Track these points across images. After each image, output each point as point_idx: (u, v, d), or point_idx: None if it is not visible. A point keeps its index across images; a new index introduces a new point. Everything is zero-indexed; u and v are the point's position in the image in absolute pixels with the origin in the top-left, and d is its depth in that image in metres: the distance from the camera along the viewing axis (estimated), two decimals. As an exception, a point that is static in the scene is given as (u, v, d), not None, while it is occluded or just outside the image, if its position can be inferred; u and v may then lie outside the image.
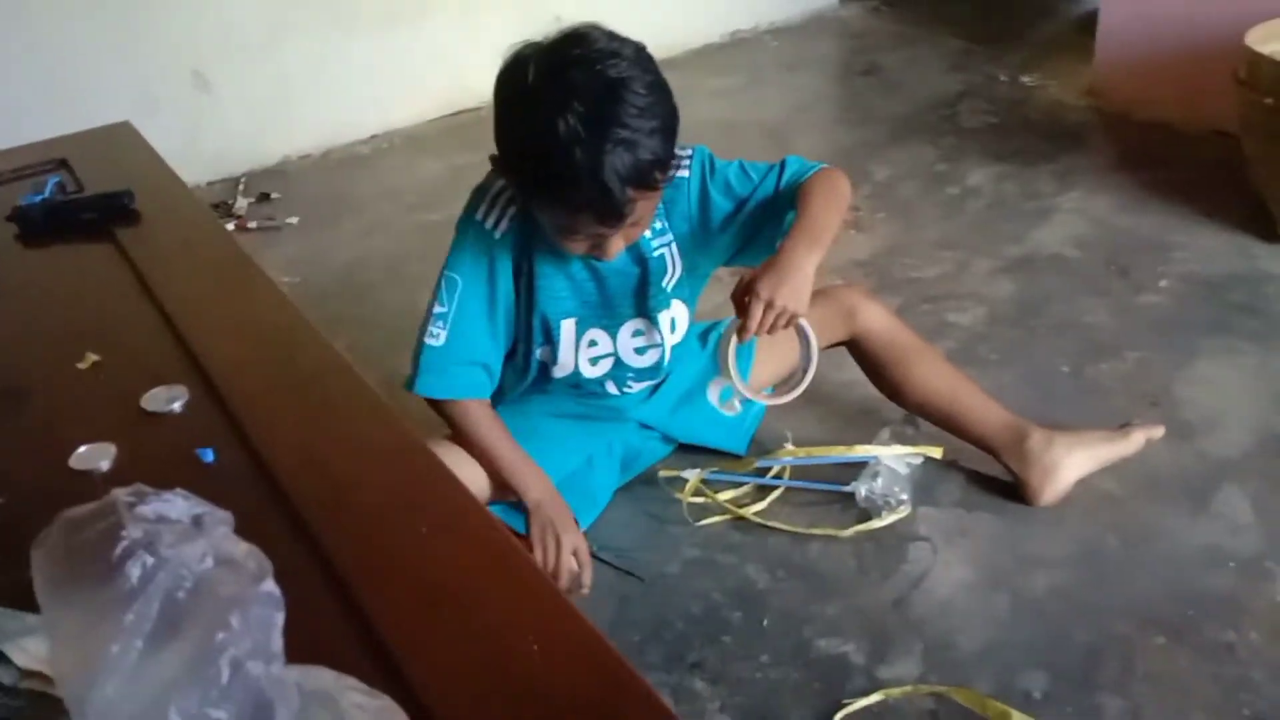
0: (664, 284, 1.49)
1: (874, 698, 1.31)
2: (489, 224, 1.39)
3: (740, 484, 1.67)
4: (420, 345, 1.43)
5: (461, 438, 1.49)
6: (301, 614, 0.59)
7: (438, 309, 1.41)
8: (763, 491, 1.66)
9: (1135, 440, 1.59)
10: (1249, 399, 1.78)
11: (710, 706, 1.33)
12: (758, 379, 1.66)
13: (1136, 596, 1.43)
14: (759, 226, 1.47)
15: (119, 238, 1.16)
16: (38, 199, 1.26)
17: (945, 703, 1.30)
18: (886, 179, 2.70)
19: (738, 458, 1.72)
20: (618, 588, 1.52)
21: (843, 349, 1.68)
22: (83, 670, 0.54)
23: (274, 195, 2.87)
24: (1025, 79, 3.22)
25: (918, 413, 1.68)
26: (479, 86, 3.21)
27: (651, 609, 1.48)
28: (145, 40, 2.77)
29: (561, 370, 1.51)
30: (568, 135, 1.17)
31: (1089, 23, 3.07)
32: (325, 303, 2.35)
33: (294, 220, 2.74)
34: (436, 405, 1.49)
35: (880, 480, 1.60)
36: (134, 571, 0.55)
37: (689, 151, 1.44)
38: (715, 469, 1.69)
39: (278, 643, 0.56)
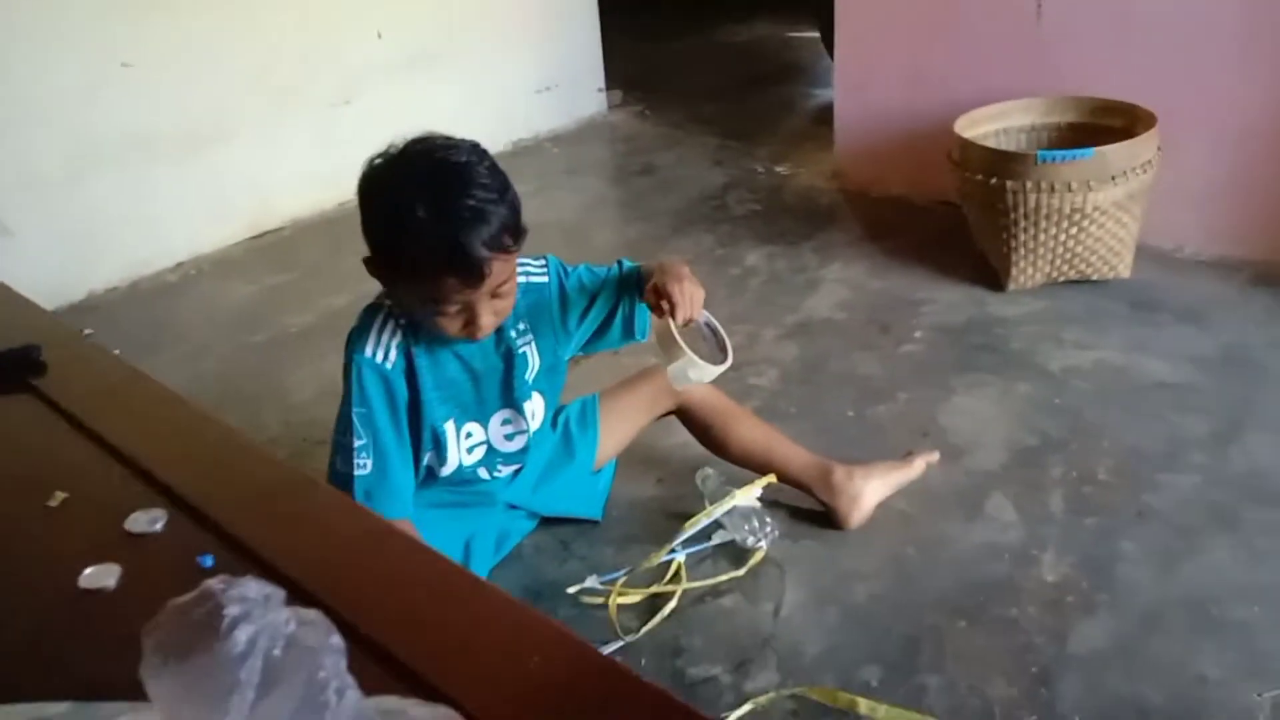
0: (526, 376, 1.70)
1: (745, 708, 1.54)
2: (379, 358, 1.55)
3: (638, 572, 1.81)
4: (348, 475, 1.54)
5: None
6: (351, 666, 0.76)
7: (357, 443, 1.54)
8: (662, 572, 1.82)
9: (917, 466, 1.93)
10: (999, 421, 2.17)
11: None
12: (604, 449, 1.91)
13: (937, 592, 1.73)
14: (607, 315, 1.73)
15: (38, 388, 1.26)
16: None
17: (803, 701, 1.54)
18: (676, 265, 3.02)
19: (594, 523, 1.94)
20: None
21: (671, 417, 1.96)
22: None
23: (87, 331, 2.86)
24: (779, 169, 3.67)
25: (739, 463, 1.96)
26: (283, 207, 3.38)
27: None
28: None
29: (448, 468, 1.68)
30: (425, 210, 1.36)
31: (826, 114, 3.55)
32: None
33: (116, 353, 2.74)
34: None
35: (747, 519, 1.85)
36: (241, 637, 0.70)
37: (542, 261, 1.68)
38: (606, 573, 1.80)
39: (352, 681, 0.73)
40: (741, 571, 1.80)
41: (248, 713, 0.70)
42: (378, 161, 1.45)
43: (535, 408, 1.76)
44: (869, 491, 1.88)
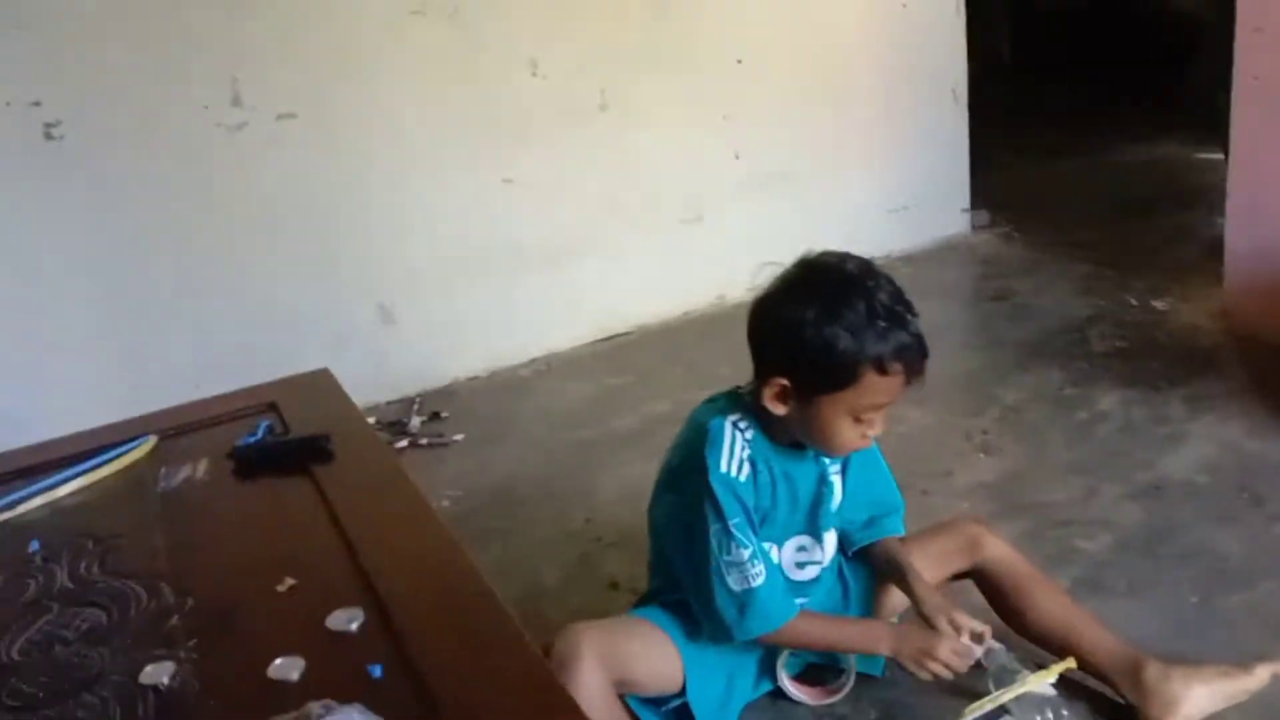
0: (832, 506, 1.69)
1: None
2: (733, 473, 1.56)
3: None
4: (745, 592, 1.55)
5: (797, 641, 1.68)
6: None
7: (746, 552, 1.55)
8: None
9: (1259, 676, 1.59)
10: (1391, 637, 1.75)
11: None
12: (887, 601, 1.82)
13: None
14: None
15: (316, 475, 1.39)
16: (252, 440, 1.52)
17: None
18: (1014, 403, 2.78)
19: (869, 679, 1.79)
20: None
21: (967, 581, 1.80)
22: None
23: (444, 414, 3.17)
24: (1156, 303, 3.29)
25: (1036, 641, 1.72)
26: (627, 312, 3.54)
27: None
28: (338, 282, 3.20)
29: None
30: (860, 312, 1.44)
31: (1218, 245, 3.14)
32: (482, 515, 2.57)
33: (460, 437, 3.01)
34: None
35: (1040, 710, 1.62)
36: (321, 767, 0.72)
37: None
38: None
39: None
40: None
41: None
42: (778, 283, 1.54)
43: (831, 540, 1.72)
44: (1190, 699, 1.57)
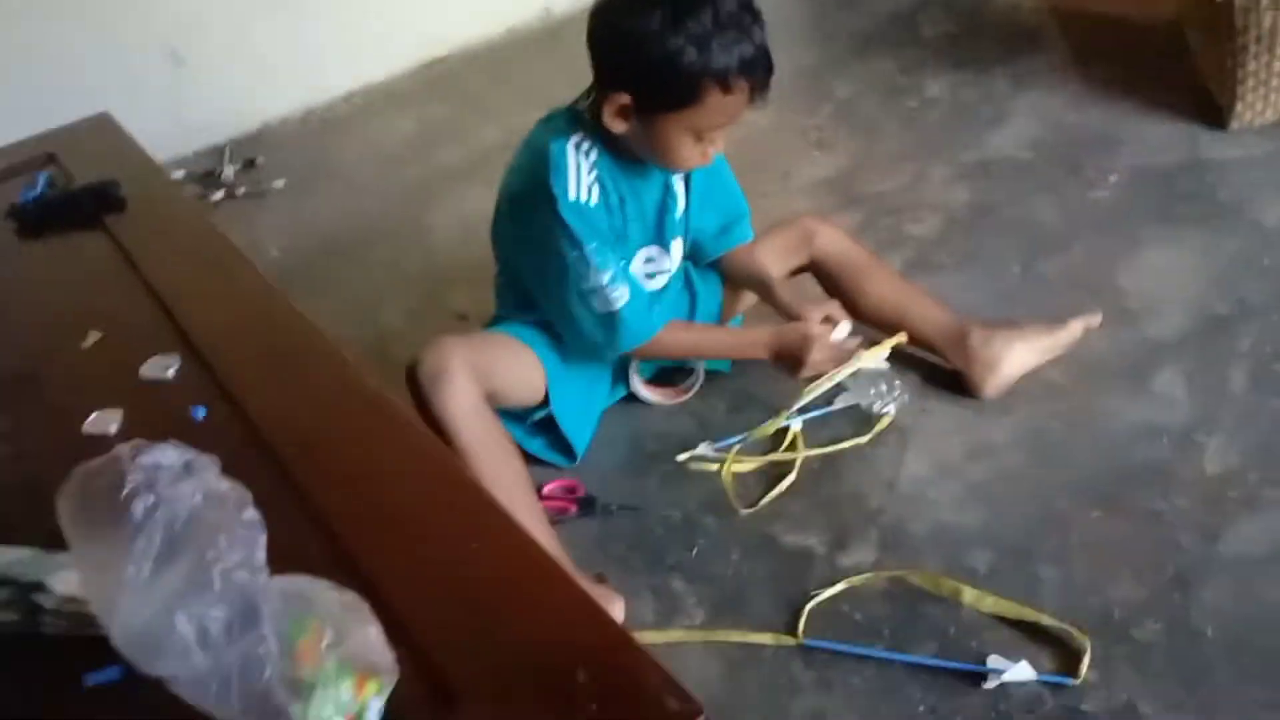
0: (676, 215, 1.67)
1: (837, 587, 1.43)
2: (583, 198, 1.51)
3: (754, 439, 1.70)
4: (609, 314, 1.54)
5: (657, 353, 1.71)
6: (284, 538, 0.72)
7: (606, 275, 1.52)
8: (779, 437, 1.70)
9: (1073, 329, 1.70)
10: (1190, 283, 1.87)
11: (687, 602, 1.47)
12: (731, 301, 1.86)
13: (1076, 475, 1.54)
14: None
15: (109, 226, 1.28)
16: (32, 194, 1.37)
17: (902, 584, 1.42)
18: (848, 96, 2.77)
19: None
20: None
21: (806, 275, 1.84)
22: (106, 590, 0.68)
23: (259, 160, 2.97)
24: (984, -17, 3.26)
25: (871, 321, 1.78)
26: (451, 35, 3.31)
27: (635, 520, 1.62)
28: (120, 25, 2.86)
29: None
30: (704, 23, 1.37)
31: (1044, -80, 3.09)
32: (315, 263, 2.47)
33: (280, 184, 2.84)
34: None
35: (874, 382, 1.71)
36: (138, 509, 0.67)
37: None
38: (720, 437, 1.71)
39: (261, 558, 0.69)
40: (865, 439, 1.67)
41: (145, 584, 0.68)
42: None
43: (677, 249, 1.71)
44: (1010, 357, 1.67)
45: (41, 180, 1.41)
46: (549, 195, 1.50)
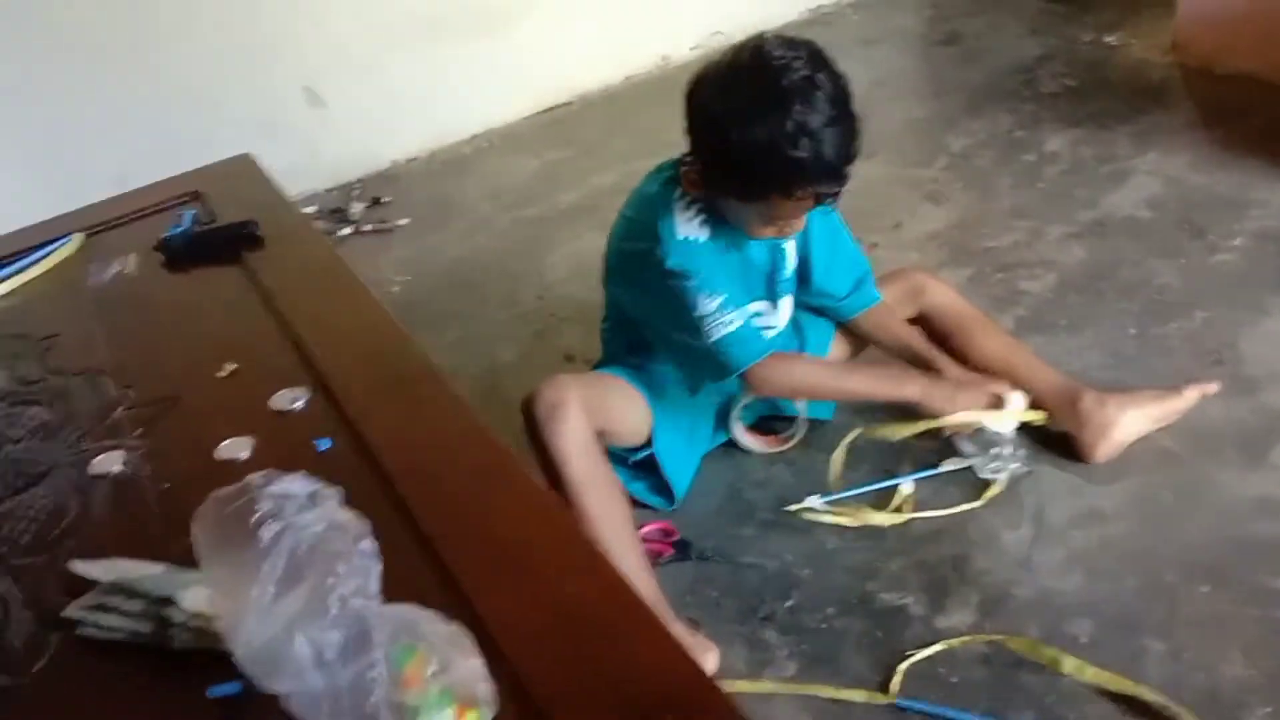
0: (786, 273, 1.69)
1: (934, 648, 1.42)
2: (691, 235, 1.53)
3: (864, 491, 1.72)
4: (719, 338, 1.53)
5: (792, 389, 1.68)
6: (398, 567, 0.76)
7: (716, 303, 1.52)
8: (887, 497, 1.69)
9: (1188, 397, 1.66)
10: (1315, 353, 1.81)
11: (779, 654, 1.47)
12: (839, 348, 1.86)
13: (1186, 547, 1.50)
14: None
15: (247, 262, 1.36)
16: (178, 230, 1.47)
17: (1000, 649, 1.40)
18: (963, 149, 2.75)
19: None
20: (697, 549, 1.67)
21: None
22: (233, 608, 0.73)
23: (385, 199, 3.10)
24: (1107, 38, 3.20)
25: (978, 380, 1.77)
26: (572, 83, 3.42)
27: (730, 567, 1.63)
28: (261, 66, 3.03)
29: None
30: (777, 128, 1.35)
31: (1173, -24, 3.04)
32: (435, 298, 2.57)
33: (405, 221, 2.96)
34: (750, 382, 1.58)
35: (995, 445, 1.65)
36: (266, 535, 0.72)
37: None
38: (830, 493, 1.70)
39: (375, 586, 0.73)
40: (979, 503, 1.64)
41: (269, 606, 0.73)
42: (729, 72, 1.42)
43: (786, 305, 1.73)
44: (1123, 423, 1.64)
45: (188, 217, 1.51)
46: (658, 235, 1.53)
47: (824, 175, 1.39)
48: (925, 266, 2.03)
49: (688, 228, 1.54)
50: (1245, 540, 1.49)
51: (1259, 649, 1.33)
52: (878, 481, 1.71)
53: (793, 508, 1.68)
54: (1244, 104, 2.65)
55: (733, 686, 1.42)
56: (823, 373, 1.70)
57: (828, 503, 1.68)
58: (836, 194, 1.44)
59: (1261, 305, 1.95)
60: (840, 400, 1.81)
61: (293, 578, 0.72)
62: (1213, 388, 1.67)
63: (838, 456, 1.66)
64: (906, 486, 1.68)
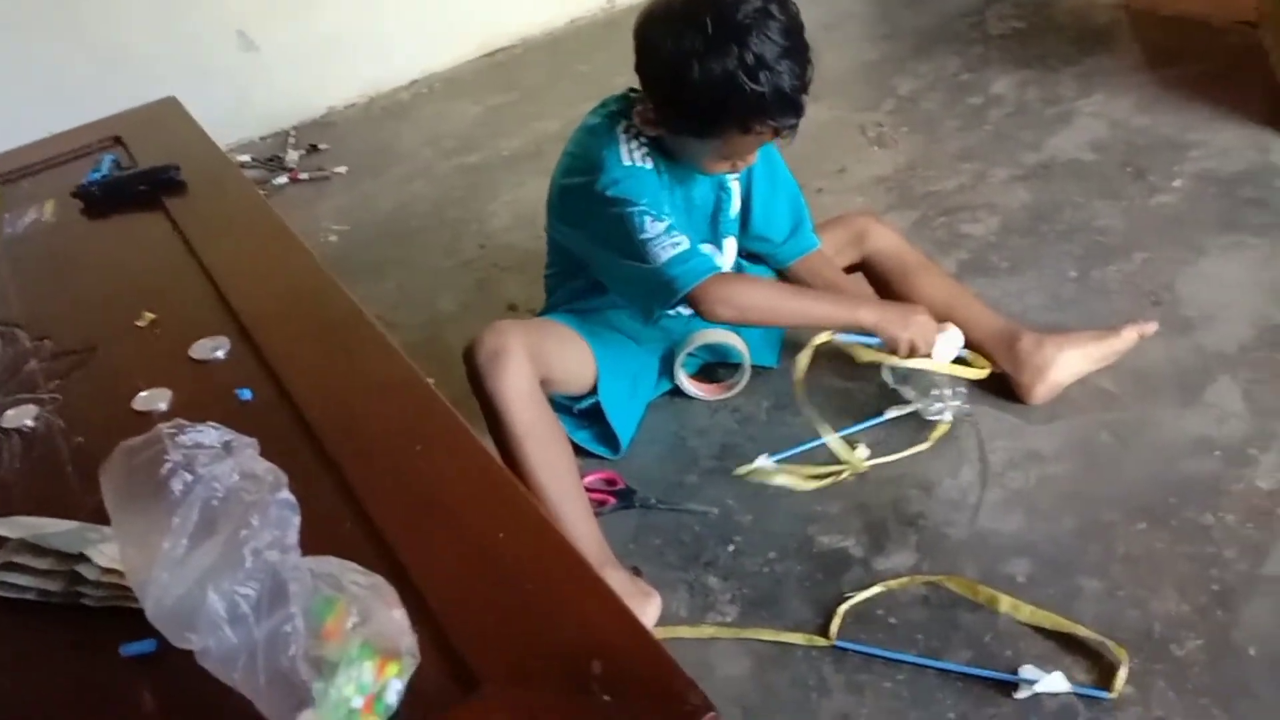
0: (731, 214, 1.67)
1: (873, 590, 1.42)
2: (635, 163, 1.51)
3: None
4: (663, 262, 1.46)
5: (744, 309, 1.53)
6: (319, 518, 0.73)
7: (660, 224, 1.46)
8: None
9: (1126, 337, 1.67)
10: (1251, 293, 1.82)
11: (721, 599, 1.47)
12: None
13: (1122, 485, 1.51)
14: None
15: (168, 208, 1.32)
16: (97, 176, 1.42)
17: (938, 590, 1.41)
18: (910, 92, 2.74)
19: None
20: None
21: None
22: (143, 564, 0.70)
23: (322, 146, 3.02)
24: (1054, -20, 3.19)
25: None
26: (514, 26, 3.34)
27: (672, 515, 1.62)
28: (193, 8, 2.92)
29: None
30: (733, 60, 1.34)
31: (1121, -82, 3.02)
32: (374, 247, 2.52)
33: (342, 169, 2.89)
34: (702, 303, 1.50)
35: (936, 387, 1.66)
36: (176, 486, 0.69)
37: None
38: (778, 453, 1.68)
39: (293, 538, 0.71)
40: (926, 445, 1.64)
41: (180, 560, 0.70)
42: (662, 6, 1.40)
43: (731, 247, 1.71)
44: (1061, 364, 1.65)
45: (106, 162, 1.45)
46: (602, 164, 1.50)
47: (783, 108, 1.39)
48: (870, 211, 2.02)
49: (632, 157, 1.51)
50: (1181, 478, 1.51)
51: (1191, 584, 1.35)
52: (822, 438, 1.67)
53: (741, 470, 1.66)
54: (1188, 46, 2.65)
55: (674, 632, 1.42)
56: (775, 294, 1.63)
57: (778, 461, 1.66)
58: (794, 127, 1.43)
59: (1199, 246, 1.97)
60: (792, 325, 1.78)
61: (205, 531, 0.69)
62: (1150, 328, 1.68)
63: (804, 356, 1.61)
64: (862, 451, 1.64)
